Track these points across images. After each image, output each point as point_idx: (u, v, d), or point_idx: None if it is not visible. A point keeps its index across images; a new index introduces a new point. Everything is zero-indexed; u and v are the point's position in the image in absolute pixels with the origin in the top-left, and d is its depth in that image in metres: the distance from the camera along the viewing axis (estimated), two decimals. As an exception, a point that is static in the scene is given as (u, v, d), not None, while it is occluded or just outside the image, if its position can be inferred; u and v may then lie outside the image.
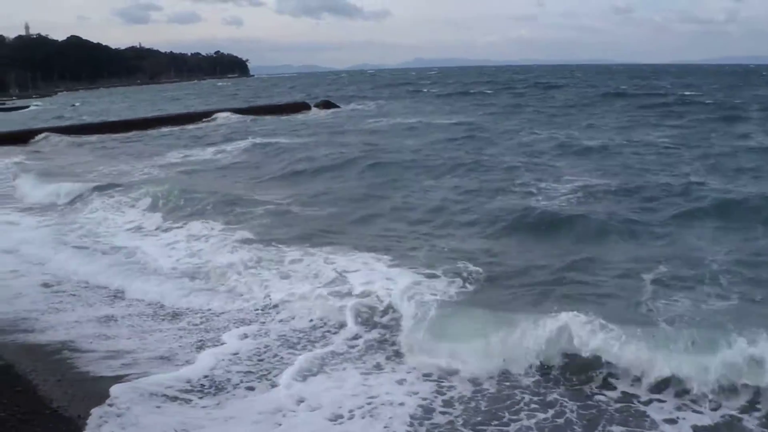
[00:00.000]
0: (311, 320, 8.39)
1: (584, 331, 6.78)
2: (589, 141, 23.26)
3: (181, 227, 13.38)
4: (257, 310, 8.88)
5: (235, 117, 43.78)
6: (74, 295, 9.79)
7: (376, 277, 9.35)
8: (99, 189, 17.36)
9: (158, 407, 6.16)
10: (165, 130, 39.44)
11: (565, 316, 7.02)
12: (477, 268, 9.58)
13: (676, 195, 13.95)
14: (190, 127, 40.28)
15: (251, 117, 44.15)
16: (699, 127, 28.13)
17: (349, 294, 8.87)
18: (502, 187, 15.73)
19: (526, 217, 12.48)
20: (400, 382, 6.69)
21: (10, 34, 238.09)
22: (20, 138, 35.54)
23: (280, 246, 11.26)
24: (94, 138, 35.92)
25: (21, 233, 13.65)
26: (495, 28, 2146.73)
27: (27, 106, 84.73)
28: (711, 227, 11.53)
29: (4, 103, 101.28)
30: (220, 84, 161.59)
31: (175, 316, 8.88)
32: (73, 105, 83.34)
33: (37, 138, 35.93)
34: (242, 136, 31.86)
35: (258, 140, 28.56)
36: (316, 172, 19.57)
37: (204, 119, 43.69)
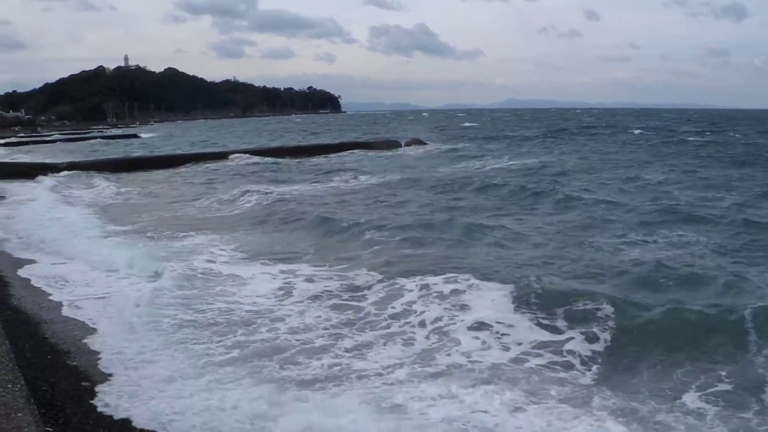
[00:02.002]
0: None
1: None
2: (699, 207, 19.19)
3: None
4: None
5: (259, 158, 42.20)
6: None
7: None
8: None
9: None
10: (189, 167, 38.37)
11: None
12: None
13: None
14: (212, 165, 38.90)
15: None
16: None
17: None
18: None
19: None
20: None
21: (111, 65, 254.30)
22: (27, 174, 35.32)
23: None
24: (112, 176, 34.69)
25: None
26: (587, 70, 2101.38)
27: (94, 138, 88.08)
28: None
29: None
30: (297, 120, 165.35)
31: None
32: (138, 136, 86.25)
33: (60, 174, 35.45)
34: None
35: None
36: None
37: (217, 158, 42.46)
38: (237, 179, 30.85)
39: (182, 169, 37.56)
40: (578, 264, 12.28)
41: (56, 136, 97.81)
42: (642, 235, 14.96)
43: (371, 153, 45.38)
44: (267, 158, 41.36)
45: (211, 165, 38.86)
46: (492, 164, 35.26)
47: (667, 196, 21.19)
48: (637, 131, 68.27)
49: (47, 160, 45.10)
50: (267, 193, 23.50)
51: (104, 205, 23.51)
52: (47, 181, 32.52)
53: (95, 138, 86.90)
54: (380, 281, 11.27)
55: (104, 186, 29.47)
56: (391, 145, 52.31)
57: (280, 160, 40.74)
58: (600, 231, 15.57)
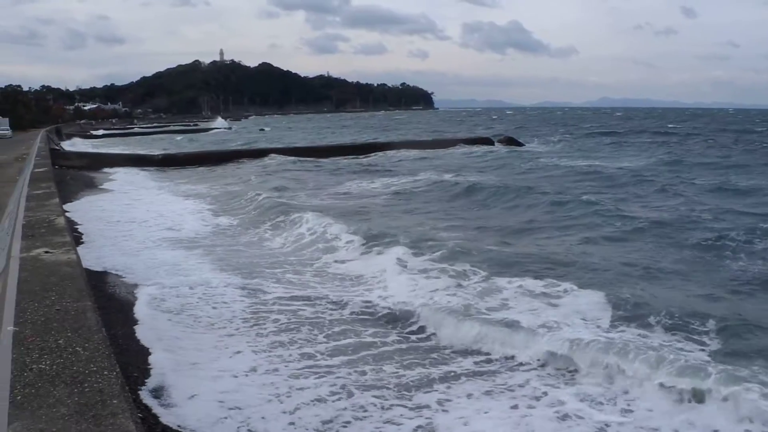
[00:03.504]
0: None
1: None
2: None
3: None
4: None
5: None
6: None
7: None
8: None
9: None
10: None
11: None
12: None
13: None
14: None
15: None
16: None
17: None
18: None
19: None
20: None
21: (206, 59, 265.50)
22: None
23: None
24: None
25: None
26: (684, 69, 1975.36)
27: (171, 132, 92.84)
28: None
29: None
30: (378, 115, 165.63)
31: None
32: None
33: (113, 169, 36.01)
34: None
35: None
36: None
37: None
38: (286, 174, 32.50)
39: (242, 164, 38.97)
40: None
41: (136, 129, 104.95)
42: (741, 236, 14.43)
43: (450, 150, 45.41)
44: (307, 158, 41.42)
45: (260, 162, 39.51)
46: (570, 164, 34.49)
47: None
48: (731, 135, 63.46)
49: (142, 152, 47.85)
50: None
51: (200, 195, 24.70)
52: (142, 172, 34.65)
53: (171, 132, 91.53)
54: (482, 278, 11.53)
55: (190, 176, 31.33)
56: (481, 141, 51.77)
57: (335, 158, 40.97)
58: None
